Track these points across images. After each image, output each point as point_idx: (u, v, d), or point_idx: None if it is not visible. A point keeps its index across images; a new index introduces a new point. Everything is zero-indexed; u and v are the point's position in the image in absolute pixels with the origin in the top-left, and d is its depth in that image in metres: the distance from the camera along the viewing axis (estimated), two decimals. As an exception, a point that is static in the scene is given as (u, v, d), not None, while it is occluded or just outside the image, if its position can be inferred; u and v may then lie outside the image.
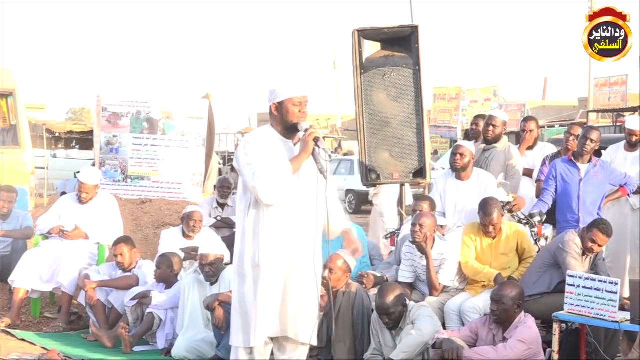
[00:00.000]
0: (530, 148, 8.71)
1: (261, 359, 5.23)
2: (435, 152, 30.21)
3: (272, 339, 5.26)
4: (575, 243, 6.58)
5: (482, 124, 8.90)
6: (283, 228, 5.14)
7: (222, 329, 6.90)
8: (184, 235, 8.54)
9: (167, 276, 7.67)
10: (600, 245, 6.64)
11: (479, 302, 6.67)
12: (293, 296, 5.18)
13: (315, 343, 5.41)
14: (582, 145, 7.71)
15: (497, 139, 8.26)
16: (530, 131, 8.67)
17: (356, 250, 5.54)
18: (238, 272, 5.24)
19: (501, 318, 5.98)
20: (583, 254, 6.63)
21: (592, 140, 7.66)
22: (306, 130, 5.12)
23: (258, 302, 5.13)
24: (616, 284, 5.76)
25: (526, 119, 9.03)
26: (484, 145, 8.35)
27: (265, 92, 5.28)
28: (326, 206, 5.16)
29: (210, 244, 7.57)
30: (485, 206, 6.96)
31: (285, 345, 5.28)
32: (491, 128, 8.26)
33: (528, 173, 8.56)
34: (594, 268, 6.69)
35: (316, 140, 5.08)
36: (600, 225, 6.61)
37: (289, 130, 5.22)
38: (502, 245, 7.01)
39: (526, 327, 5.93)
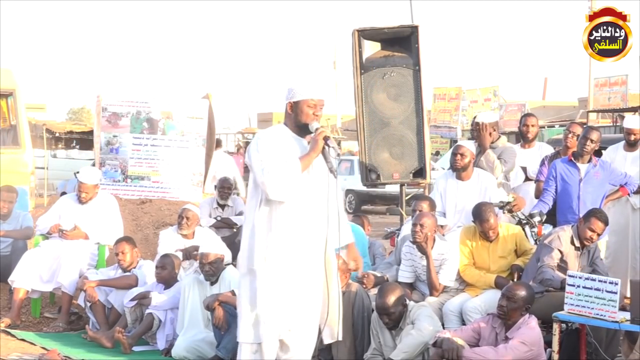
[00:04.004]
0: (528, 146, 8.67)
1: (269, 357, 5.22)
2: (437, 153, 30.16)
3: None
4: (559, 236, 6.61)
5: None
6: (294, 225, 5.17)
7: (222, 329, 6.91)
8: (181, 235, 8.52)
9: (170, 277, 7.68)
10: (598, 234, 6.67)
11: (480, 302, 6.67)
12: (315, 294, 5.22)
13: (340, 338, 5.47)
14: (582, 145, 7.71)
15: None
16: (532, 125, 8.63)
17: (357, 268, 5.62)
18: (248, 268, 5.24)
19: (508, 315, 5.97)
20: (577, 249, 6.65)
21: (592, 141, 7.66)
22: (316, 130, 5.16)
23: (270, 297, 5.14)
24: (616, 284, 5.75)
25: (527, 114, 8.94)
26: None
27: (283, 90, 5.34)
28: (337, 204, 5.23)
29: (210, 243, 7.57)
30: (480, 213, 6.92)
31: (288, 345, 5.27)
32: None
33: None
34: (592, 266, 6.70)
35: (326, 139, 5.12)
36: (596, 214, 6.67)
37: (302, 129, 5.26)
38: (499, 248, 6.99)
39: (528, 328, 5.92)
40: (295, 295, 5.18)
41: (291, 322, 5.18)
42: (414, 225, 6.89)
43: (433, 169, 15.60)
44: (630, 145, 8.42)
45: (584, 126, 8.62)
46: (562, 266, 6.52)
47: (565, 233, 6.66)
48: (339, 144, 34.04)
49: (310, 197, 5.20)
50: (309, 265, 5.22)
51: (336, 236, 5.30)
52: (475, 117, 8.32)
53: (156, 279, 7.72)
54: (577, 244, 6.65)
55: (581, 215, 7.12)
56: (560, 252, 6.58)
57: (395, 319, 6.38)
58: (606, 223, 6.69)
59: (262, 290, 5.17)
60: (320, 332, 5.38)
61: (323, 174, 5.21)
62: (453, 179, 7.77)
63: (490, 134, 8.05)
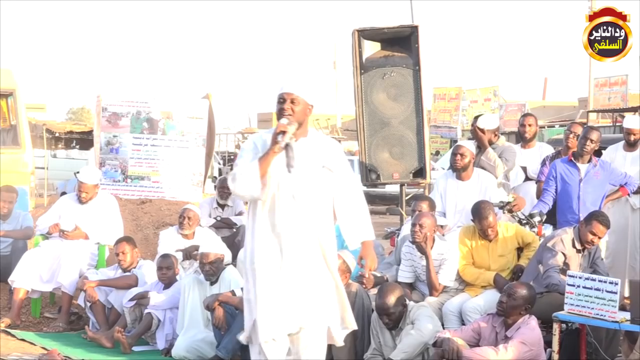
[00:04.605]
0: (528, 146, 8.66)
1: (272, 358, 5.21)
2: (437, 153, 30.16)
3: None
4: (561, 239, 6.59)
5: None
6: (278, 224, 5.15)
7: (222, 329, 6.91)
8: (182, 235, 8.52)
9: (173, 277, 7.69)
10: (599, 237, 6.64)
11: (480, 302, 6.67)
12: (311, 290, 5.20)
13: (355, 327, 5.46)
14: (582, 145, 7.72)
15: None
16: (530, 125, 8.62)
17: (369, 267, 5.48)
18: (244, 267, 5.34)
19: (507, 312, 5.98)
20: (578, 251, 6.64)
21: (592, 141, 7.66)
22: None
23: (261, 297, 5.15)
24: (616, 284, 5.76)
25: (524, 114, 8.97)
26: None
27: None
28: (344, 200, 5.31)
29: (210, 243, 7.57)
30: (479, 211, 6.92)
31: (295, 347, 5.26)
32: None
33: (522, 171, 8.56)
34: (593, 266, 6.70)
35: (277, 135, 5.08)
36: (598, 217, 6.63)
37: None
38: (499, 247, 6.99)
39: (528, 328, 5.93)
40: (293, 295, 5.15)
41: (294, 322, 5.16)
42: (414, 225, 6.90)
43: (433, 169, 15.59)
44: (630, 145, 8.42)
45: (584, 126, 8.62)
46: (564, 268, 6.51)
47: (567, 235, 6.64)
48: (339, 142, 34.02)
49: (296, 195, 5.16)
50: (303, 265, 5.17)
51: (349, 234, 5.33)
52: (476, 119, 8.32)
53: (160, 279, 7.72)
54: (578, 246, 6.65)
55: (581, 216, 7.12)
56: (564, 254, 6.57)
57: (395, 319, 6.38)
58: (608, 226, 6.65)
59: (251, 291, 5.20)
60: (330, 333, 5.35)
61: (312, 171, 5.19)
62: (453, 179, 7.77)
63: (495, 134, 8.06)
